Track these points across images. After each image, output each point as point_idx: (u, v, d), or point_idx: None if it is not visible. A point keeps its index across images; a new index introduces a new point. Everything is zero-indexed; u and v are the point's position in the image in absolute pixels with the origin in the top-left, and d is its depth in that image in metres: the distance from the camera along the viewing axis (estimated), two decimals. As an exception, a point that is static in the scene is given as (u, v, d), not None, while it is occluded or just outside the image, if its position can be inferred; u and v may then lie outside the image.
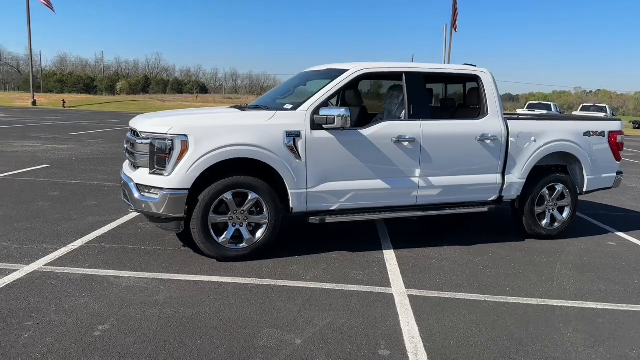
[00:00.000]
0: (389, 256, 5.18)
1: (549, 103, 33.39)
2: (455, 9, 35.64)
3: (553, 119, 6.62)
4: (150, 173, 4.67)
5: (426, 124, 5.30)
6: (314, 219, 5.00)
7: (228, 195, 4.69)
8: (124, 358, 3.04)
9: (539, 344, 3.47)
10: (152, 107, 39.67)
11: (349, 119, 4.76)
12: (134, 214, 6.28)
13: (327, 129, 4.87)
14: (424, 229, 6.43)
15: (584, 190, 6.27)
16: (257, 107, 5.44)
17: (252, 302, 3.91)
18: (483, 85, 5.72)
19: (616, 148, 6.39)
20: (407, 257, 5.19)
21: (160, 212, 4.59)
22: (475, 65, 5.96)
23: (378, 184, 5.17)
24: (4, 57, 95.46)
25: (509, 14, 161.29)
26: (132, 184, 4.80)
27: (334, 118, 4.74)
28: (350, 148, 4.98)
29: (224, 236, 4.73)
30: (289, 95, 5.91)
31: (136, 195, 4.73)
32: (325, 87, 5.05)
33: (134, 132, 4.93)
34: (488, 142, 5.55)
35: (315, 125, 4.85)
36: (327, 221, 5.02)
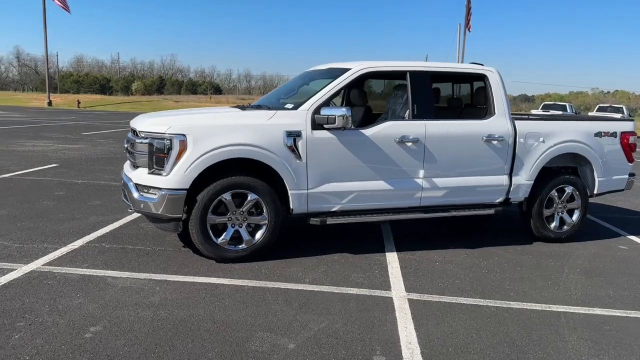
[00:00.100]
0: (392, 258, 5.08)
1: (565, 104, 32.93)
2: (469, 9, 35.29)
3: (563, 119, 6.46)
4: (149, 173, 4.63)
5: (430, 124, 5.19)
6: (314, 220, 4.92)
7: (227, 196, 4.63)
8: (113, 361, 2.99)
9: (540, 351, 3.35)
10: (165, 107, 39.91)
11: (350, 118, 4.68)
12: (137, 214, 6.25)
13: (328, 129, 4.79)
14: (430, 230, 6.31)
15: (595, 192, 6.11)
16: (258, 107, 5.38)
17: (247, 304, 3.84)
18: (490, 85, 5.59)
19: (628, 149, 6.22)
20: (410, 259, 5.09)
21: (159, 212, 4.55)
22: (482, 65, 5.83)
23: (380, 184, 5.08)
24: (22, 59, 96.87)
25: (524, 14, 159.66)
26: (131, 183, 4.76)
27: (335, 118, 4.66)
28: (352, 148, 4.89)
29: (222, 237, 4.67)
30: (293, 94, 5.83)
31: (135, 195, 4.69)
32: (327, 87, 4.97)
33: (134, 132, 4.89)
34: (494, 142, 5.43)
35: (316, 125, 4.78)
36: (328, 222, 4.94)
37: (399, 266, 4.86)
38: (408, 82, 5.23)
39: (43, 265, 4.48)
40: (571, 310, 4.04)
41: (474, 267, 4.97)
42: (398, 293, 4.21)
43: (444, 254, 5.34)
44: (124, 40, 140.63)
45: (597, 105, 34.42)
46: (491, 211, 5.63)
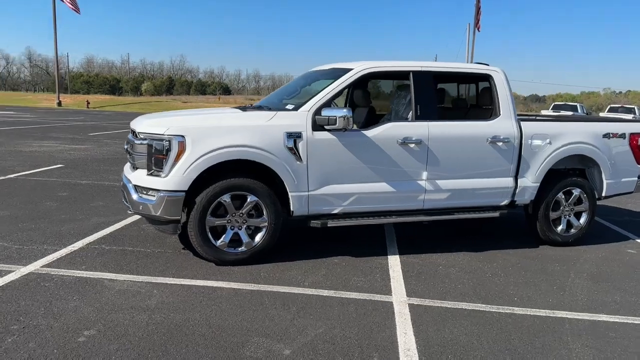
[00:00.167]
0: (394, 262, 5.01)
1: (575, 104, 32.62)
2: (478, 8, 35.07)
3: (570, 120, 6.35)
4: (148, 174, 4.59)
5: (434, 125, 5.10)
6: (315, 223, 4.85)
7: (226, 198, 4.58)
8: (104, 366, 2.94)
9: (543, 359, 3.26)
10: (174, 107, 40.03)
11: (350, 119, 4.61)
12: (139, 216, 6.22)
13: (329, 130, 4.72)
14: (434, 233, 6.22)
15: (603, 195, 5.99)
16: (259, 108, 5.32)
17: (244, 308, 3.78)
18: (495, 85, 5.49)
19: (638, 151, 6.09)
20: (413, 263, 5.00)
21: (157, 214, 4.51)
22: (488, 64, 5.73)
23: (382, 187, 5.00)
24: (33, 59, 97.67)
25: (535, 13, 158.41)
26: (131, 185, 4.73)
27: (336, 119, 4.60)
28: (353, 150, 4.82)
29: (221, 239, 4.62)
30: (295, 95, 5.77)
31: (134, 196, 4.65)
32: (328, 87, 4.91)
33: (134, 133, 4.86)
34: (500, 144, 5.33)
35: (317, 126, 4.71)
36: (329, 225, 4.87)
37: (400, 270, 4.79)
38: (411, 83, 5.15)
39: (41, 267, 4.45)
40: (576, 317, 3.94)
41: (478, 271, 4.88)
42: (399, 298, 4.13)
43: (447, 257, 5.25)
44: (134, 41, 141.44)
45: (609, 106, 34.05)
46: (496, 214, 5.53)
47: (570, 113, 26.13)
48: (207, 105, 43.13)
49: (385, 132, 4.94)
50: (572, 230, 5.84)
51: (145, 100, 52.27)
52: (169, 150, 4.44)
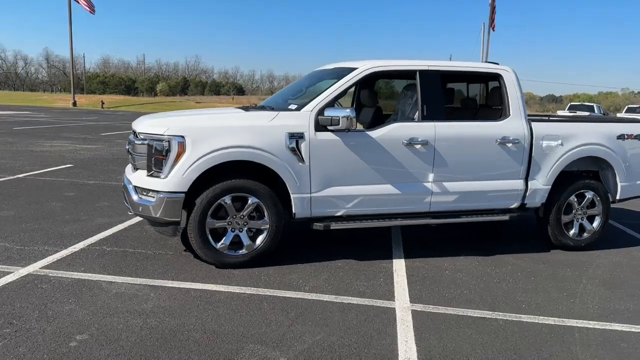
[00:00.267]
0: (399, 266, 4.88)
1: (592, 104, 32.07)
2: (493, 8, 34.69)
3: (583, 121, 6.16)
4: (147, 175, 4.53)
5: (441, 126, 4.97)
6: (318, 225, 4.74)
7: (227, 199, 4.49)
8: (94, 373, 2.87)
9: (550, 371, 3.12)
10: (187, 107, 40.20)
11: (354, 120, 4.50)
12: (142, 216, 6.17)
13: (332, 131, 4.61)
14: (441, 237, 6.08)
15: (617, 198, 5.80)
16: (262, 108, 5.23)
17: (242, 313, 3.69)
18: (505, 85, 5.33)
19: (654, 153, 5.88)
20: (418, 267, 4.87)
21: (157, 215, 4.44)
22: (498, 64, 5.58)
23: (387, 189, 4.87)
24: (51, 60, 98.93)
25: (551, 13, 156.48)
26: (131, 186, 4.67)
27: (339, 119, 4.49)
28: (357, 151, 4.70)
29: (222, 242, 4.54)
30: (300, 95, 5.67)
31: (134, 197, 4.59)
32: (332, 87, 4.80)
33: (134, 133, 4.80)
34: (509, 145, 5.17)
35: (320, 127, 4.61)
36: (332, 228, 4.76)
37: (405, 274, 4.66)
38: (417, 82, 5.02)
39: (40, 268, 4.41)
40: (587, 325, 3.78)
41: (485, 276, 4.73)
42: (401, 303, 4.00)
43: (454, 261, 5.10)
44: (150, 42, 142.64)
45: (627, 106, 33.43)
46: (505, 217, 5.38)
47: (586, 114, 25.70)
48: (220, 105, 43.26)
49: (390, 132, 4.82)
50: (585, 235, 5.66)
51: (159, 101, 52.62)
52: (168, 150, 4.37)
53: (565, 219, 5.58)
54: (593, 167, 5.81)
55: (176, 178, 4.36)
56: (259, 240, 4.63)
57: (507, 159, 5.20)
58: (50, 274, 4.27)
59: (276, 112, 4.70)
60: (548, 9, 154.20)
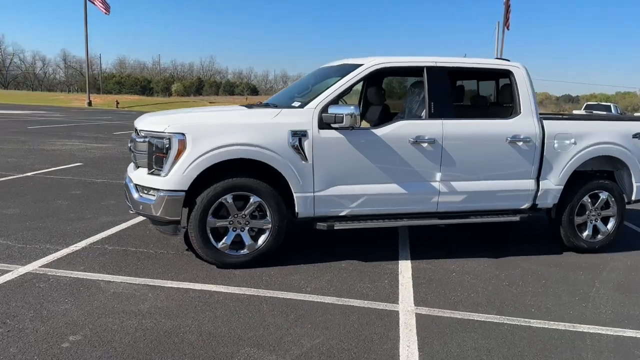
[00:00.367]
0: (404, 267, 4.75)
1: (609, 104, 31.52)
2: (507, 6, 34.26)
3: (597, 119, 5.97)
4: (148, 173, 4.46)
5: (449, 124, 4.83)
6: (321, 225, 4.63)
7: (228, 198, 4.40)
8: (83, 375, 2.79)
9: (558, 379, 2.97)
10: (199, 107, 40.27)
11: (358, 117, 4.38)
12: (146, 215, 6.12)
13: (336, 128, 4.50)
14: (450, 237, 5.93)
15: (633, 198, 5.60)
16: (266, 106, 5.13)
17: (240, 315, 3.59)
18: (516, 82, 5.17)
19: (672, 152, 5.66)
20: (425, 269, 4.74)
21: (157, 214, 4.36)
22: (508, 60, 5.43)
23: (393, 188, 4.75)
24: (68, 61, 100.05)
25: (567, 12, 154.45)
26: (132, 184, 4.61)
27: (343, 116, 4.38)
28: (362, 149, 4.59)
29: (223, 241, 4.45)
30: (306, 92, 5.56)
31: (135, 196, 4.53)
32: (336, 84, 4.69)
33: (136, 131, 4.73)
34: (520, 143, 5.02)
35: (324, 124, 4.50)
36: (335, 228, 4.65)
37: (411, 276, 4.53)
38: (425, 79, 4.89)
39: (40, 267, 4.36)
40: (599, 331, 3.62)
41: (494, 278, 4.58)
42: (405, 306, 3.88)
43: (462, 263, 4.96)
44: (165, 43, 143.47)
45: (644, 106, 32.80)
46: (516, 218, 5.22)
47: (603, 113, 25.24)
48: (232, 104, 43.29)
49: (396, 130, 4.69)
50: (599, 236, 5.47)
51: (172, 101, 52.94)
52: (169, 148, 4.30)
53: (578, 220, 5.40)
54: (607, 166, 5.62)
55: (176, 176, 4.28)
56: (261, 240, 4.54)
57: (517, 158, 5.05)
58: (49, 273, 4.22)
59: (279, 110, 4.60)
60: (563, 8, 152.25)
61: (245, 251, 4.50)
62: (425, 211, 4.94)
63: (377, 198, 4.72)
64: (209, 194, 4.34)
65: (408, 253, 5.17)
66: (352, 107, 4.39)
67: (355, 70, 4.74)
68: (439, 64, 4.95)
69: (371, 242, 5.49)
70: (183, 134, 4.28)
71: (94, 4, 34.97)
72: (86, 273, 4.26)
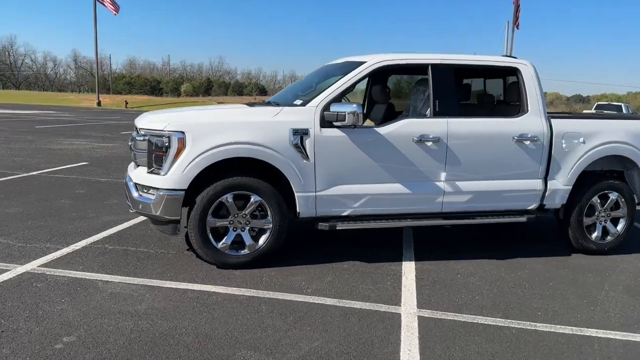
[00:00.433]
0: (408, 268, 4.66)
1: (620, 104, 31.15)
2: (517, 5, 33.95)
3: (606, 118, 5.83)
4: (148, 172, 4.41)
5: (454, 122, 4.73)
6: (323, 225, 4.55)
7: (229, 197, 4.33)
8: (75, 377, 2.73)
9: (565, 386, 2.87)
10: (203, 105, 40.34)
11: (360, 115, 4.30)
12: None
13: (338, 127, 4.42)
14: (456, 237, 5.82)
15: (644, 199, 5.47)
16: (268, 104, 5.06)
17: (237, 316, 3.52)
18: (523, 79, 5.06)
19: (684, 152, 5.52)
20: (429, 270, 4.64)
21: (157, 213, 4.31)
22: (516, 57, 5.31)
23: (397, 188, 4.66)
24: (79, 61, 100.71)
25: (578, 11, 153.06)
26: (132, 183, 4.56)
27: (345, 115, 4.30)
28: (365, 148, 4.50)
29: (223, 241, 4.38)
30: (310, 91, 5.48)
31: (135, 195, 4.48)
32: (339, 82, 4.60)
33: (136, 129, 4.68)
34: (527, 142, 4.90)
35: (325, 123, 4.42)
36: (337, 228, 4.56)
37: (414, 277, 4.43)
38: (430, 76, 4.79)
39: (38, 266, 4.31)
40: (607, 336, 3.51)
41: (500, 280, 4.48)
42: (408, 309, 3.78)
43: (467, 264, 4.86)
44: (175, 43, 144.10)
45: (656, 106, 32.39)
46: (523, 219, 5.10)
47: (614, 113, 24.92)
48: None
49: (400, 129, 4.60)
50: (608, 238, 5.34)
51: (181, 101, 53.10)
52: (168, 147, 4.24)
53: (587, 221, 5.28)
54: (617, 166, 5.49)
55: (176, 175, 4.22)
56: (262, 240, 4.47)
57: (524, 157, 4.94)
58: (48, 272, 4.18)
59: (280, 108, 4.53)
60: (574, 8, 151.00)
61: (245, 251, 4.43)
62: (429, 211, 4.85)
63: (380, 198, 4.63)
64: (208, 193, 4.28)
65: (412, 254, 5.07)
66: (354, 105, 4.31)
67: (358, 68, 4.66)
68: (444, 62, 4.85)
69: (374, 242, 5.40)
70: (182, 132, 4.22)
71: (103, 4, 35.14)
72: (85, 273, 4.21)
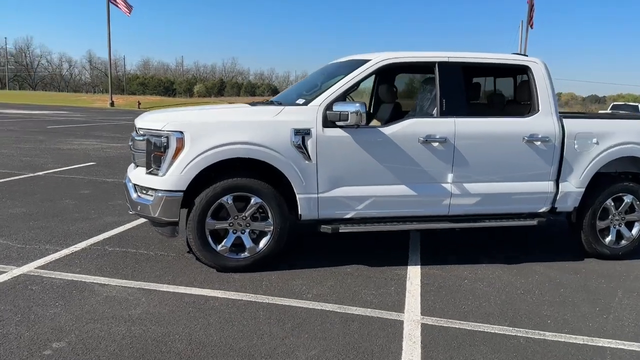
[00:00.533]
0: (413, 273, 4.51)
1: (636, 104, 30.58)
2: (531, 5, 33.53)
3: (620, 118, 5.63)
4: (146, 173, 4.32)
5: (461, 122, 4.58)
6: (325, 228, 4.42)
7: (228, 199, 4.23)
8: (61, 386, 2.63)
9: (574, 400, 2.71)
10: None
11: (364, 115, 4.17)
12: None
13: (341, 127, 4.29)
14: (464, 241, 5.65)
15: (660, 202, 5.25)
16: (271, 103, 4.95)
17: (234, 323, 3.41)
18: (534, 78, 4.89)
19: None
20: (435, 275, 4.49)
21: (155, 215, 4.21)
22: (527, 55, 5.14)
23: (402, 189, 4.52)
24: (94, 62, 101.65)
25: (594, 11, 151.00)
26: (131, 184, 4.47)
27: (348, 114, 4.17)
28: (368, 148, 4.37)
29: (222, 244, 4.27)
30: (315, 90, 5.35)
31: (133, 196, 4.39)
32: (342, 80, 4.48)
33: (136, 129, 4.60)
34: (538, 143, 4.73)
35: (328, 122, 4.29)
36: (340, 231, 4.43)
37: (419, 283, 4.29)
38: (436, 75, 4.65)
39: (35, 268, 4.24)
40: (620, 346, 3.34)
41: (508, 286, 4.32)
42: (411, 316, 3.64)
43: (475, 269, 4.70)
44: (188, 44, 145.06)
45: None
46: (534, 222, 4.92)
47: (630, 113, 24.46)
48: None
49: (405, 129, 4.46)
50: (623, 242, 5.15)
51: (193, 101, 53.30)
52: (166, 147, 4.14)
53: (600, 224, 5.09)
54: (633, 168, 5.29)
55: (174, 176, 4.13)
56: (262, 242, 4.35)
57: (535, 158, 4.76)
58: (44, 275, 4.10)
59: (281, 107, 4.41)
60: (590, 7, 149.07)
61: (245, 254, 4.32)
62: (436, 214, 4.70)
63: (385, 200, 4.49)
64: (208, 194, 4.18)
65: (418, 258, 4.93)
66: (357, 105, 4.17)
67: (362, 66, 4.53)
68: (451, 60, 4.70)
69: (379, 245, 5.26)
70: (181, 132, 4.12)
71: (116, 5, 35.36)
72: (82, 275, 4.13)
